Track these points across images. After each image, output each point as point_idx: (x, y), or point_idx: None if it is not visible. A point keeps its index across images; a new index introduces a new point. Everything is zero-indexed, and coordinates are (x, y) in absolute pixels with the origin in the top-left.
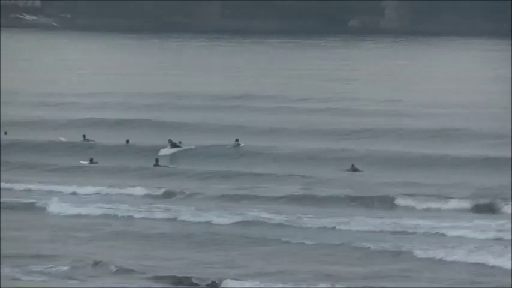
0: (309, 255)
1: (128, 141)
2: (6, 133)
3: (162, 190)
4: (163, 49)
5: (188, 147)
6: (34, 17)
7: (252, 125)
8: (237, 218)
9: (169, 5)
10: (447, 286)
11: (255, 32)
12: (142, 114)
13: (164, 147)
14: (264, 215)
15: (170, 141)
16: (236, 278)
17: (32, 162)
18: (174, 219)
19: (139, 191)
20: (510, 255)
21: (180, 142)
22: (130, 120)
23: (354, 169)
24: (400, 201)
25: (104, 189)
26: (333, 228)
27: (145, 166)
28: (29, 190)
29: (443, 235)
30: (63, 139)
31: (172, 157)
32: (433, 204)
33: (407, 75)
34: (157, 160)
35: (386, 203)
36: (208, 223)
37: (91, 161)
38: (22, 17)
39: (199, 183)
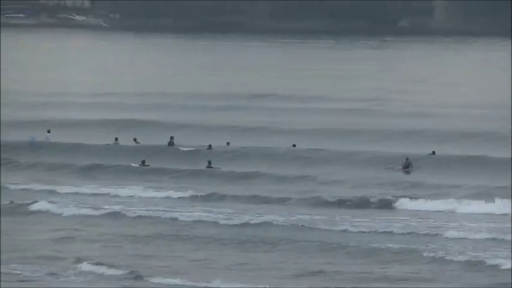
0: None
1: (170, 143)
2: (49, 131)
3: (219, 193)
4: (211, 50)
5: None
6: (83, 18)
7: (302, 127)
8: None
9: (221, 6)
10: None
11: (305, 32)
12: (184, 115)
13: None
14: (317, 217)
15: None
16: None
17: (81, 165)
18: (232, 223)
19: (192, 192)
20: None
21: (228, 143)
22: (171, 121)
23: (407, 164)
24: None
25: (163, 193)
26: (391, 232)
27: (198, 168)
28: (82, 194)
29: None
30: (110, 143)
31: (224, 159)
32: None
33: (454, 77)
34: (209, 162)
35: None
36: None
37: (143, 163)
38: (71, 17)
39: (253, 185)
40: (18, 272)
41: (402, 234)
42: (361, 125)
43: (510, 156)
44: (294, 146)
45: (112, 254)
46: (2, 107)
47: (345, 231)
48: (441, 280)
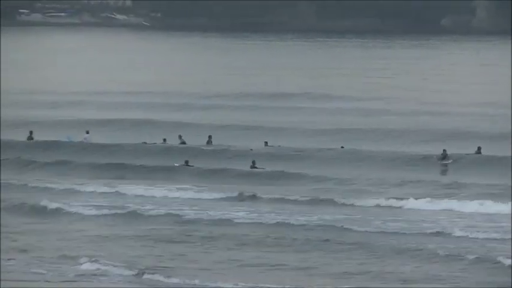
0: None
1: (209, 142)
2: (88, 132)
3: (272, 193)
4: (252, 49)
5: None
6: (125, 17)
7: (347, 126)
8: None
9: (266, 5)
10: None
11: (348, 31)
12: (222, 114)
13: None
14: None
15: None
16: None
17: (123, 164)
18: (277, 222)
19: (237, 193)
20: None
21: (266, 143)
22: (208, 121)
23: (443, 156)
24: None
25: (208, 194)
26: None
27: (242, 168)
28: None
29: None
30: (146, 142)
31: (268, 158)
32: None
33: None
34: (253, 162)
35: None
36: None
37: (186, 163)
38: (113, 16)
39: (296, 185)
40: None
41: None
42: (407, 125)
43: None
44: (342, 147)
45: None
46: (41, 106)
47: (381, 232)
48: None
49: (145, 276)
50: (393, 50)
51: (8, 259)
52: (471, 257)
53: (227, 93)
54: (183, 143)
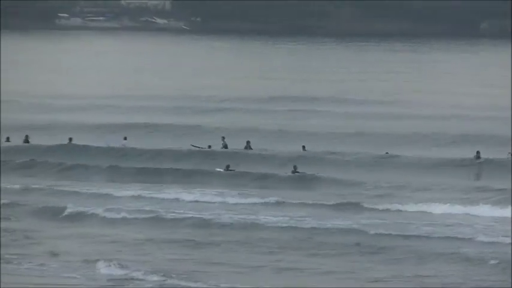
0: None
1: (247, 147)
2: (125, 138)
3: (313, 199)
4: (292, 53)
5: None
6: (165, 21)
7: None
8: None
9: (303, 8)
10: None
11: (386, 34)
12: (258, 119)
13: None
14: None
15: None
16: None
17: (162, 168)
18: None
19: (278, 198)
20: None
21: (304, 147)
22: (247, 125)
23: (477, 156)
24: None
25: (249, 199)
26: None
27: (281, 173)
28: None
29: None
30: (195, 145)
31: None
32: None
33: None
34: (295, 167)
35: None
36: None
37: (227, 168)
38: (153, 20)
39: (337, 190)
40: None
41: None
42: (439, 129)
43: None
44: (387, 153)
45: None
46: (77, 109)
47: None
48: None
49: (173, 281)
50: (428, 54)
51: (41, 264)
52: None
53: (258, 97)
54: (225, 146)
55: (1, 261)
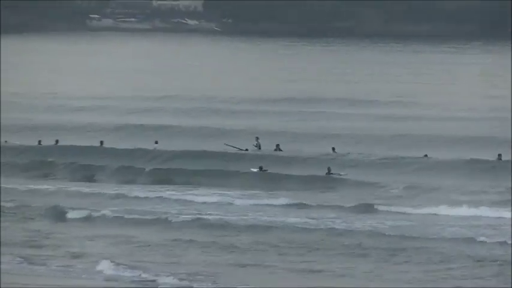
0: None
1: (276, 149)
2: (156, 142)
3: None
4: (322, 54)
5: None
6: (196, 22)
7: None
8: None
9: (332, 9)
10: None
11: (416, 35)
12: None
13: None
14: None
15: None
16: None
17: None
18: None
19: (307, 201)
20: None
21: (333, 149)
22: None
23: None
24: None
25: (281, 200)
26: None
27: (317, 174)
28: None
29: None
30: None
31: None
32: None
33: None
34: (329, 169)
35: None
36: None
37: (260, 168)
38: (184, 21)
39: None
40: None
41: None
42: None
43: None
44: (426, 156)
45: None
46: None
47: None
48: None
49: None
50: (459, 54)
51: (66, 265)
52: None
53: (274, 98)
54: (258, 146)
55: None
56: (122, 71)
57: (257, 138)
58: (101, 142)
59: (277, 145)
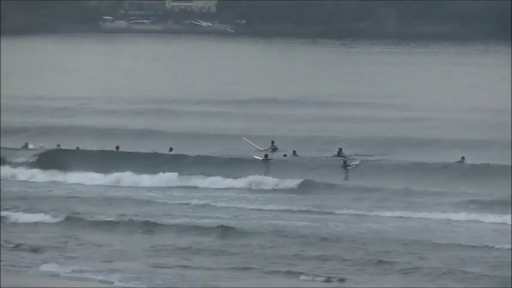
0: None
1: (294, 153)
2: (171, 149)
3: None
4: (334, 54)
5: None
6: (209, 23)
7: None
8: None
9: (346, 10)
10: None
11: (429, 37)
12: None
13: None
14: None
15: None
16: None
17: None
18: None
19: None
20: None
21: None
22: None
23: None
24: None
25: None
26: None
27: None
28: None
29: None
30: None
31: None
32: None
33: None
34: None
35: None
36: None
37: (266, 156)
38: (198, 23)
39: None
40: None
41: None
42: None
43: None
44: (463, 158)
45: None
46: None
47: None
48: None
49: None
50: (469, 56)
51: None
52: None
53: (286, 99)
54: (274, 150)
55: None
56: (133, 73)
57: (272, 142)
58: (117, 147)
59: (294, 151)
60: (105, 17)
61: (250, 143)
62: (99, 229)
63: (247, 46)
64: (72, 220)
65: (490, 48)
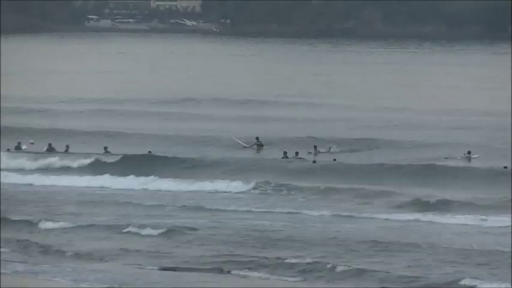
0: None
1: (297, 154)
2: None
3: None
4: (318, 55)
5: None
6: (194, 23)
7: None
8: None
9: (331, 11)
10: None
11: (415, 37)
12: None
13: None
14: None
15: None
16: None
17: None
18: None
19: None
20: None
21: (330, 148)
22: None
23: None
24: None
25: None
26: None
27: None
28: None
29: None
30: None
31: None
32: None
33: None
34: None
35: None
36: None
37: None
38: (182, 22)
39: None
40: None
41: None
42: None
43: None
44: (505, 167)
45: None
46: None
47: None
48: None
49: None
50: (458, 56)
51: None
52: None
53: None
54: (260, 145)
55: None
56: (121, 72)
57: (257, 138)
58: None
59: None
60: (90, 16)
61: (238, 140)
62: None
63: (231, 46)
64: None
65: (472, 48)
